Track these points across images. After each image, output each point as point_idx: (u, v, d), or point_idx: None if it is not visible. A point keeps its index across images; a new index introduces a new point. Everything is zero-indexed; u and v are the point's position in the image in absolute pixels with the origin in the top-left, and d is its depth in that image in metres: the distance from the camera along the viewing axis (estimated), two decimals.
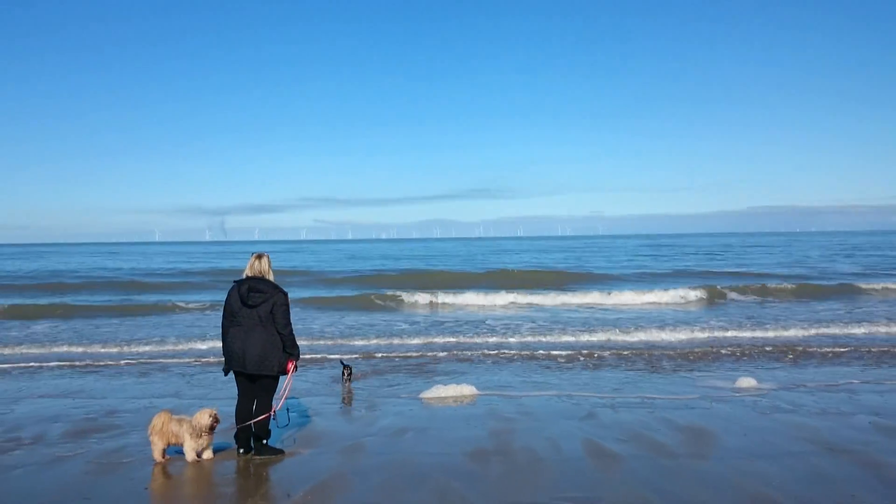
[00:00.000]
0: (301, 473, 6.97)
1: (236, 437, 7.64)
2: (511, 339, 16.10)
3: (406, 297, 25.57)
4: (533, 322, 19.48)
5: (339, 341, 16.12)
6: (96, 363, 13.61)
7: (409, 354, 14.33)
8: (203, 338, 16.28)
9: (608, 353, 14.38)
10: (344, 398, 10.49)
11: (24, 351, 15.19)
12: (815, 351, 14.44)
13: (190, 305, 23.73)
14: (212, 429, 7.32)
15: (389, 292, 26.36)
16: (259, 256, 7.76)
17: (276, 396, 7.76)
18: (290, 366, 7.64)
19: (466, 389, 10.79)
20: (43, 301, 25.40)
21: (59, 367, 13.30)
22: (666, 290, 26.34)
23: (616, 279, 35.51)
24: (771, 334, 16.65)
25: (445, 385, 10.87)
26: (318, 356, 14.18)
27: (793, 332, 16.78)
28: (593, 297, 25.51)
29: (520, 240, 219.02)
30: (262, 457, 7.50)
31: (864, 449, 7.70)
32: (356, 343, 15.85)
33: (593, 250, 79.38)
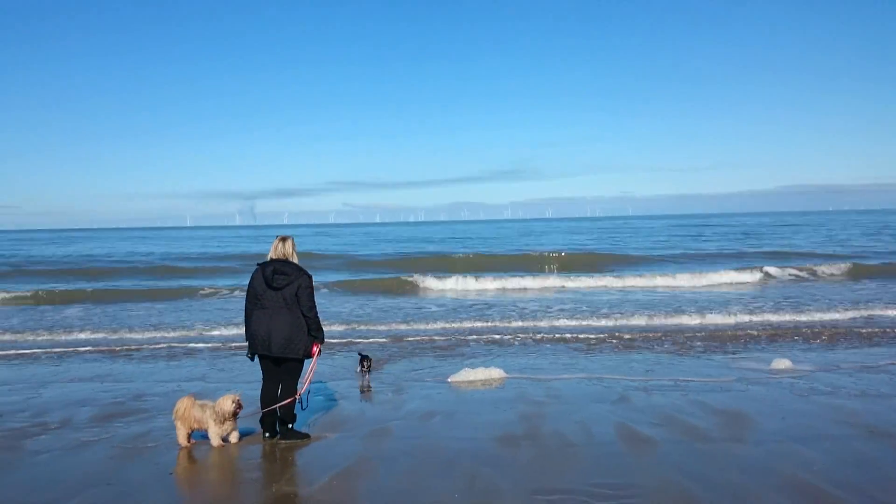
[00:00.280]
0: (327, 458, 6.86)
1: (262, 421, 7.55)
2: (541, 323, 15.85)
3: (434, 280, 25.36)
4: (563, 305, 19.25)
5: (366, 325, 15.99)
6: (125, 347, 13.65)
7: (436, 338, 14.16)
8: (230, 322, 16.27)
9: (640, 335, 14.11)
10: (362, 390, 10.03)
11: (55, 337, 15.24)
12: (853, 332, 14.08)
13: (219, 289, 23.79)
14: (234, 414, 7.23)
15: (417, 275, 26.17)
16: (283, 239, 7.65)
17: (301, 380, 7.65)
18: (315, 349, 7.54)
19: (495, 372, 10.62)
20: (75, 286, 25.71)
21: (88, 351, 13.34)
22: (703, 272, 25.74)
23: (654, 260, 34.83)
24: (807, 317, 16.22)
25: (474, 368, 10.70)
26: (345, 340, 14.08)
27: (832, 315, 16.26)
28: (632, 280, 24.88)
29: (549, 221, 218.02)
30: (287, 441, 7.40)
31: None
32: (382, 327, 15.69)
33: (626, 231, 78.29)
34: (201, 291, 23.57)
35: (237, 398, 7.24)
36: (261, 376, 7.63)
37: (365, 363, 10.89)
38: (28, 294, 23.04)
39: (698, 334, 14.10)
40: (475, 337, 14.17)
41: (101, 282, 28.25)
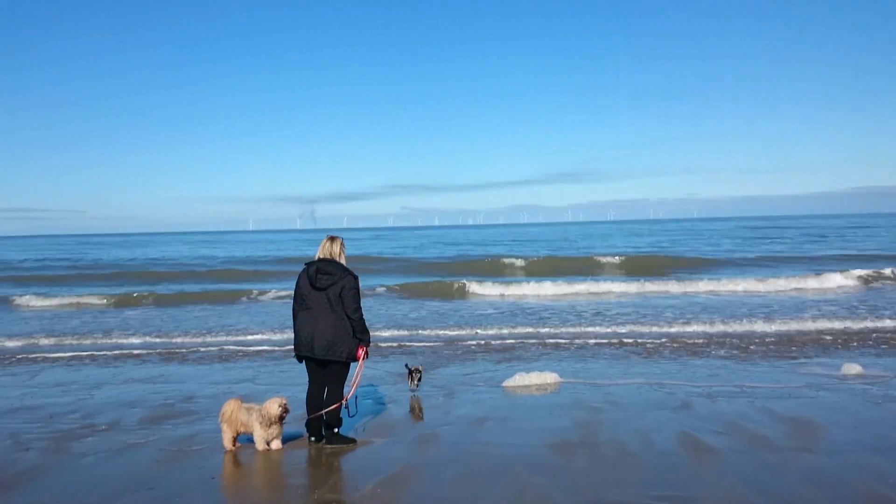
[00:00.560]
0: (372, 464, 6.62)
1: (307, 425, 7.37)
2: (599, 328, 15.33)
3: (490, 283, 24.98)
4: (623, 309, 18.76)
5: (419, 329, 15.76)
6: (180, 349, 13.72)
7: (491, 342, 13.86)
8: (283, 324, 16.25)
9: (703, 340, 13.60)
10: (412, 408, 8.95)
11: (112, 339, 15.43)
12: None
13: (275, 292, 23.86)
14: (281, 418, 7.05)
15: (473, 279, 25.89)
16: (332, 239, 7.48)
17: (347, 384, 7.44)
18: (361, 352, 7.31)
19: (550, 377, 10.28)
20: (136, 289, 26.12)
21: (144, 353, 13.44)
22: (766, 278, 24.68)
23: (719, 264, 33.73)
24: (880, 323, 15.41)
25: (528, 372, 10.36)
26: (397, 344, 13.90)
27: None
28: (695, 285, 23.62)
29: (611, 223, 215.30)
30: (333, 446, 7.20)
31: None
32: (436, 331, 15.43)
33: (692, 233, 75.87)
34: (258, 294, 23.70)
35: (284, 402, 7.06)
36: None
37: (415, 375, 9.57)
38: (89, 297, 23.51)
39: (765, 339, 13.51)
40: (531, 341, 13.81)
41: (161, 285, 28.75)
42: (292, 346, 7.46)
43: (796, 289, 22.78)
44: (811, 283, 23.56)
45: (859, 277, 24.24)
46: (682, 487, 5.86)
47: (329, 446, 7.21)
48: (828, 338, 13.38)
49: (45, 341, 15.26)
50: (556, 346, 13.26)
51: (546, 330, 15.16)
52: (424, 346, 13.55)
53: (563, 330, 15.10)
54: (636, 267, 32.77)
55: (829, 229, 76.06)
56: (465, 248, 55.83)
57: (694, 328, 14.97)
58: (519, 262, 34.43)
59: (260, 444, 7.05)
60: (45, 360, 13.04)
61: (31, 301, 23.22)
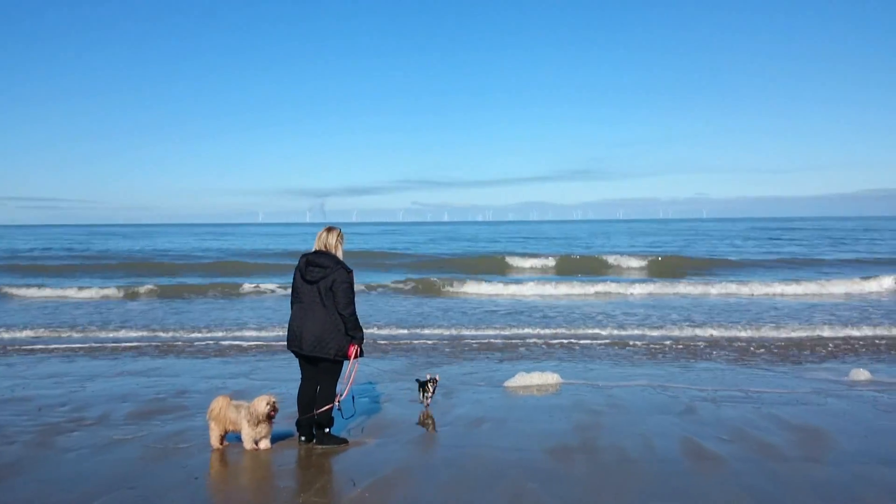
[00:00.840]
0: (363, 466, 6.39)
1: (298, 423, 7.15)
2: (604, 329, 15.01)
3: (497, 282, 24.67)
4: (629, 310, 18.50)
5: (420, 328, 15.51)
6: (177, 343, 13.54)
7: (493, 341, 13.59)
8: (283, 320, 16.02)
9: (710, 343, 13.37)
10: (424, 423, 8.01)
11: (109, 333, 15.25)
12: None
13: (279, 286, 23.64)
14: (269, 417, 6.80)
15: (480, 277, 25.66)
16: (328, 229, 7.16)
17: (342, 382, 7.19)
18: (352, 350, 6.99)
19: (551, 378, 10.04)
20: (140, 280, 25.94)
21: (142, 346, 13.26)
22: (787, 281, 24.01)
23: (730, 265, 33.22)
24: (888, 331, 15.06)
25: (529, 373, 10.12)
26: (397, 342, 13.69)
27: None
28: (703, 287, 23.12)
29: (621, 222, 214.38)
30: (323, 446, 6.97)
31: None
32: (438, 330, 15.13)
33: (706, 234, 74.66)
34: (259, 288, 23.48)
35: (273, 400, 6.81)
36: None
37: (429, 387, 8.44)
38: (91, 288, 23.35)
39: (774, 345, 13.22)
40: (535, 341, 13.55)
41: (164, 277, 28.63)
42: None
43: (811, 293, 22.20)
44: (819, 288, 22.87)
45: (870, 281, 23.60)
46: (683, 497, 5.62)
47: (319, 447, 6.98)
48: (835, 346, 12.93)
49: (42, 332, 15.08)
50: (560, 346, 13.00)
51: (550, 330, 14.81)
52: (425, 343, 13.32)
53: (568, 331, 14.77)
54: (647, 267, 32.43)
55: (841, 231, 75.23)
56: (474, 245, 55.50)
57: (700, 330, 14.62)
58: (527, 261, 34.10)
59: (248, 443, 6.83)
60: (42, 351, 12.86)
61: (31, 291, 23.09)
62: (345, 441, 7.11)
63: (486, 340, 13.62)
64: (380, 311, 18.07)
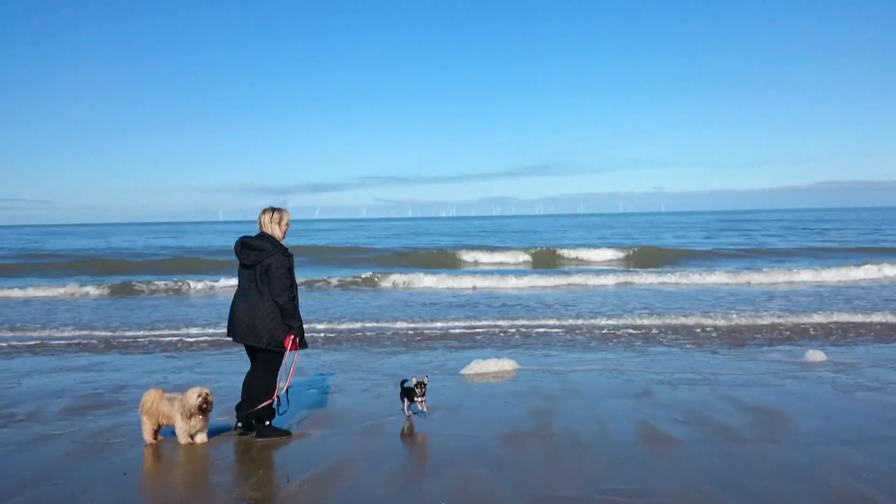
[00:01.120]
0: (305, 458, 6.08)
1: (237, 408, 6.80)
2: (561, 320, 14.74)
3: (457, 274, 24.45)
4: (591, 299, 18.39)
5: (374, 322, 15.19)
6: (122, 339, 12.99)
7: (450, 331, 13.26)
8: None
9: (666, 329, 13.23)
10: (406, 430, 7.01)
11: (55, 332, 14.62)
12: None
13: (229, 282, 23.06)
14: (202, 409, 6.39)
15: (440, 271, 25.31)
16: (268, 210, 6.69)
17: (286, 376, 6.81)
18: (289, 341, 6.52)
19: (508, 364, 9.80)
20: (92, 279, 25.20)
21: (84, 343, 12.69)
22: (759, 269, 24.03)
23: (689, 256, 33.43)
24: (848, 318, 15.03)
25: (485, 360, 9.87)
26: (351, 335, 13.35)
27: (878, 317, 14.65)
28: (661, 277, 23.23)
29: (581, 216, 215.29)
30: (263, 439, 6.60)
31: None
32: (393, 324, 14.70)
33: (669, 227, 74.94)
34: (214, 285, 22.87)
35: (206, 392, 6.41)
36: None
37: (418, 390, 7.13)
38: (39, 288, 22.56)
39: (732, 330, 13.15)
40: (493, 330, 13.28)
41: (116, 276, 27.76)
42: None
43: (766, 282, 22.19)
44: (765, 277, 22.73)
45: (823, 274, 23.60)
46: (639, 481, 5.40)
47: (260, 440, 6.61)
48: (790, 332, 12.76)
49: None
50: (519, 334, 12.75)
51: (508, 321, 14.43)
52: (381, 334, 12.97)
53: (528, 321, 14.50)
54: (610, 259, 32.46)
55: (796, 222, 76.37)
56: (438, 240, 55.13)
57: (656, 319, 14.39)
58: (490, 255, 33.86)
59: (182, 438, 6.45)
60: None
61: None
62: (287, 433, 6.75)
63: (443, 331, 13.30)
64: (335, 303, 17.70)
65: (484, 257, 33.36)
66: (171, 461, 6.15)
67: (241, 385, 6.93)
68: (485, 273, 25.06)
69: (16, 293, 21.74)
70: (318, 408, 7.86)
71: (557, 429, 6.84)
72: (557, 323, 13.93)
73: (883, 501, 4.94)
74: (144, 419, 6.50)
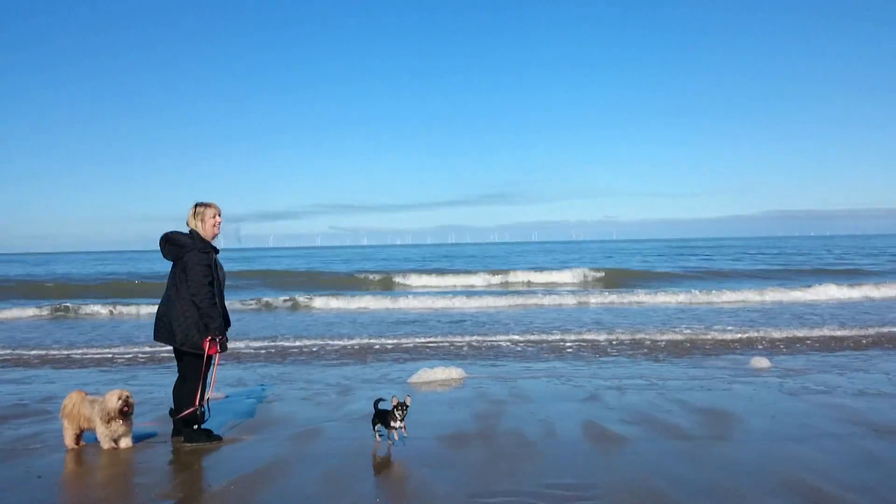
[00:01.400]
0: (236, 461, 5.75)
1: (170, 412, 6.45)
2: (514, 335, 14.60)
3: (411, 296, 24.18)
4: (541, 317, 18.26)
5: (324, 340, 14.84)
6: (57, 356, 12.44)
7: (402, 344, 13.03)
8: None
9: (614, 342, 13.13)
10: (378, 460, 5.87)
11: None
12: (847, 337, 13.13)
13: None
14: (122, 412, 6.01)
15: (393, 293, 25.09)
16: (195, 206, 6.31)
17: (207, 381, 6.40)
18: (206, 343, 6.12)
19: (455, 372, 9.57)
20: (32, 302, 24.43)
21: (15, 358, 12.14)
22: (706, 290, 24.30)
23: (635, 276, 33.88)
24: (794, 333, 15.17)
25: (432, 368, 9.64)
26: (300, 350, 12.99)
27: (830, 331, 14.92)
28: (608, 297, 23.53)
29: (535, 244, 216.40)
30: (192, 444, 6.24)
31: None
32: (343, 341, 14.40)
33: (622, 252, 75.75)
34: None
35: (126, 394, 6.05)
36: None
37: (398, 413, 5.95)
38: None
39: (681, 343, 13.12)
40: (443, 344, 13.05)
41: (56, 300, 26.93)
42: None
43: (717, 301, 22.45)
44: (716, 297, 22.95)
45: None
46: (582, 475, 5.20)
47: (188, 444, 6.25)
48: (737, 344, 12.87)
49: None
50: (469, 346, 12.54)
51: (459, 337, 14.15)
52: (331, 350, 12.62)
53: (480, 337, 14.18)
54: (564, 281, 32.51)
55: (743, 249, 77.74)
56: (391, 264, 54.77)
57: (606, 334, 14.31)
58: (442, 278, 33.69)
59: (104, 442, 6.07)
60: None
61: None
62: (218, 438, 6.41)
63: (394, 344, 13.02)
64: (281, 323, 17.31)
65: (438, 280, 33.21)
66: (92, 465, 5.77)
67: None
68: (439, 294, 24.84)
69: None
70: (254, 416, 7.52)
71: (503, 430, 6.63)
72: (507, 338, 13.73)
73: (834, 492, 4.82)
74: (66, 423, 6.12)
